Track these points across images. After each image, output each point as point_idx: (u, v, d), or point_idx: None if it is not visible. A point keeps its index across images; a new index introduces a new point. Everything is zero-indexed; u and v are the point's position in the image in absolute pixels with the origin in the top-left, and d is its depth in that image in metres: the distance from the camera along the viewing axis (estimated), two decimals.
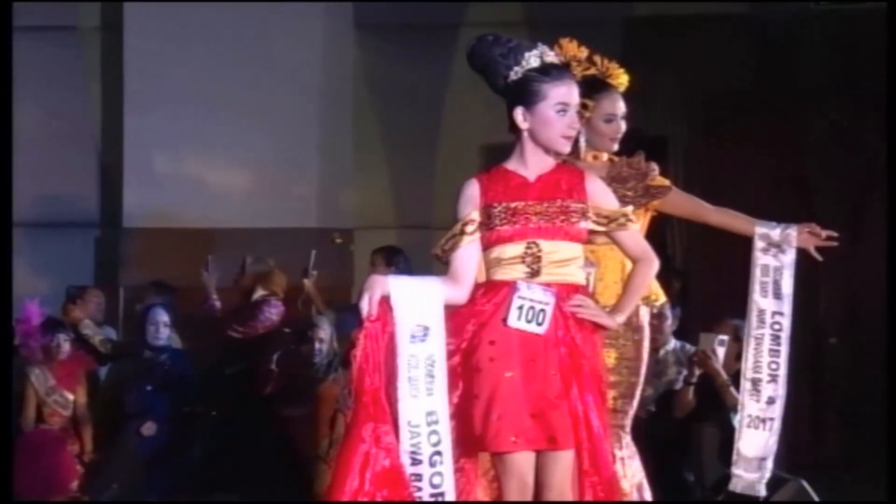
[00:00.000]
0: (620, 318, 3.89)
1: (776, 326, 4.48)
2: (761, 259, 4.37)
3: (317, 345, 6.89)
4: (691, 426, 6.64)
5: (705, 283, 7.98)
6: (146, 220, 8.73)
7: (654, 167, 4.50)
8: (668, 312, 7.02)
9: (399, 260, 7.62)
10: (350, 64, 9.14)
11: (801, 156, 8.10)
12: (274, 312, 7.27)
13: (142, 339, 7.36)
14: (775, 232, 4.39)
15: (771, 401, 4.46)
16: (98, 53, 9.18)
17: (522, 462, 3.73)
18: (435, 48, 8.98)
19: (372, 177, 9.13)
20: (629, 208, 3.98)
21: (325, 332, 6.92)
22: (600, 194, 3.88)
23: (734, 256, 7.93)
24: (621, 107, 4.43)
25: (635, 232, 3.95)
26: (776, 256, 4.35)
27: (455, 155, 8.98)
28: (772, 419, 4.49)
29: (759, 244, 4.42)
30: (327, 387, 6.83)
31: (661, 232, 8.18)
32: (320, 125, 8.94)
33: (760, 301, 4.44)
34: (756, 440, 4.54)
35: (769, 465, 4.57)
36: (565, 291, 3.81)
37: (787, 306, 4.45)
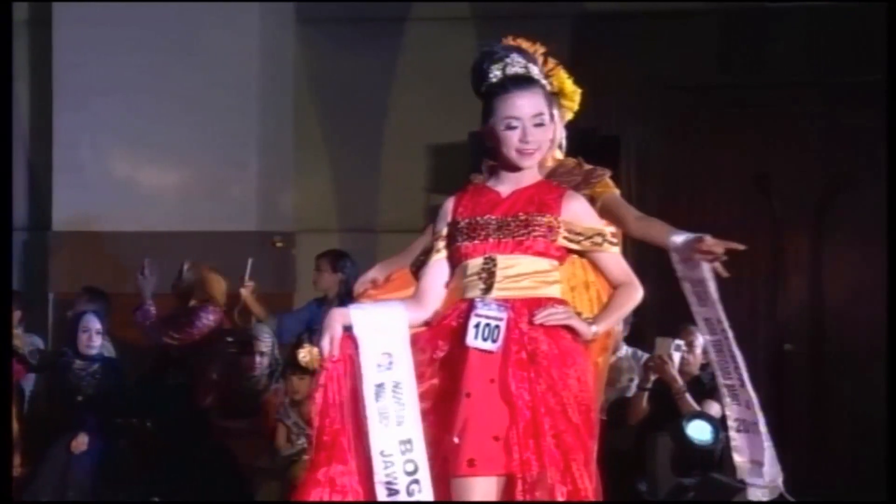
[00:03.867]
0: (596, 329, 3.72)
1: (725, 332, 4.31)
2: (679, 271, 4.17)
3: (257, 357, 6.72)
4: (645, 435, 6.50)
5: (658, 287, 7.84)
6: (77, 224, 8.52)
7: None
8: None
9: (345, 264, 7.47)
10: (290, 59, 8.98)
11: (764, 153, 7.98)
12: (211, 319, 7.13)
13: (73, 348, 7.19)
14: (682, 244, 4.14)
15: (749, 404, 4.30)
16: (26, 49, 8.93)
17: (480, 487, 3.55)
18: (380, 43, 8.85)
19: (314, 177, 8.96)
20: (610, 229, 3.81)
21: (265, 342, 6.78)
22: (578, 212, 3.74)
23: None
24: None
25: (616, 255, 3.79)
26: (692, 269, 4.14)
27: (401, 154, 8.84)
28: (755, 422, 4.32)
29: (674, 256, 4.20)
30: (268, 397, 6.69)
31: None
32: (259, 123, 8.74)
33: (701, 310, 4.27)
34: (751, 443, 4.38)
35: (775, 468, 4.38)
36: (526, 306, 3.64)
37: (720, 312, 4.26)
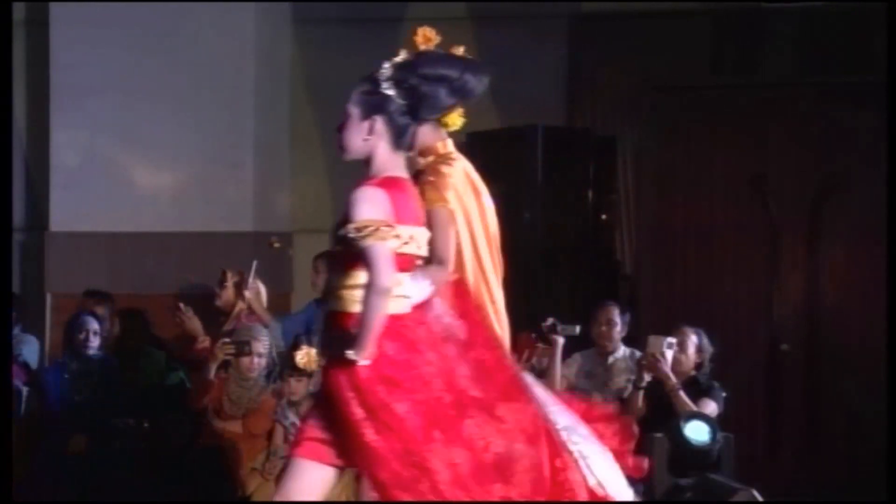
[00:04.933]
0: (355, 353, 3.71)
1: None
2: None
3: (255, 358, 6.69)
4: (641, 435, 6.49)
5: (655, 288, 7.86)
6: (74, 224, 8.48)
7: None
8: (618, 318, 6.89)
9: None
10: (287, 59, 8.96)
11: (759, 154, 7.97)
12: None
13: (70, 349, 7.19)
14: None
15: None
16: (23, 49, 8.90)
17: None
18: (376, 43, 8.76)
19: (311, 177, 8.93)
20: (363, 222, 3.75)
21: (263, 343, 6.74)
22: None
23: (685, 261, 7.83)
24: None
25: (365, 251, 3.73)
26: None
27: None
28: None
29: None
30: (265, 399, 6.64)
31: (609, 237, 8.06)
32: (256, 124, 8.71)
33: None
34: None
35: None
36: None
37: None
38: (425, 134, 4.42)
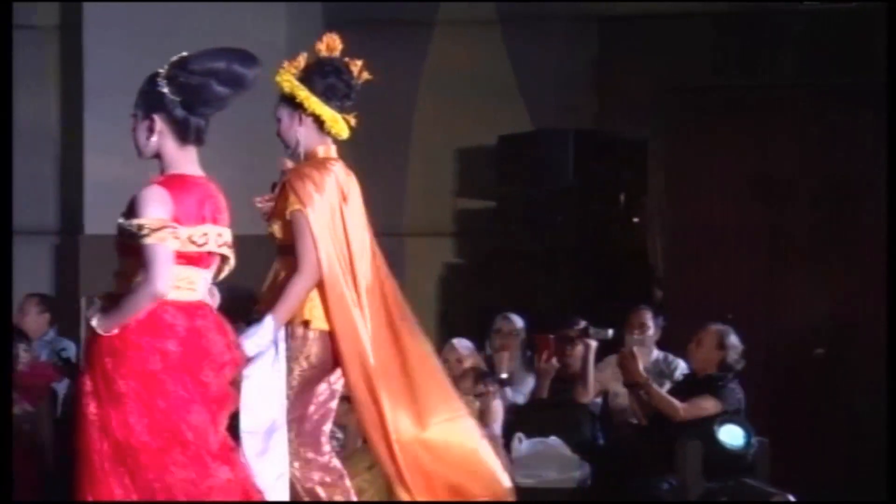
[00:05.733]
0: (98, 322, 3.93)
1: None
2: None
3: None
4: (674, 438, 6.46)
5: (686, 289, 7.81)
6: (108, 226, 8.46)
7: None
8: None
9: None
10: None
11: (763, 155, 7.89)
12: None
13: None
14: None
15: None
16: (57, 53, 8.94)
17: None
18: (407, 46, 8.82)
19: None
20: (143, 221, 3.89)
21: None
22: None
23: (717, 261, 7.78)
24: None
25: (144, 250, 3.88)
26: None
27: (428, 158, 8.82)
28: None
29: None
30: None
31: (641, 239, 8.02)
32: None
33: None
34: None
35: None
36: None
37: None
38: (308, 138, 4.70)
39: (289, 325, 4.56)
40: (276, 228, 4.69)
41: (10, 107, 6.17)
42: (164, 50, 8.48)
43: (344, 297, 4.56)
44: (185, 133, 4.02)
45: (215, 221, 4.02)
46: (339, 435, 6.38)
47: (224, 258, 4.11)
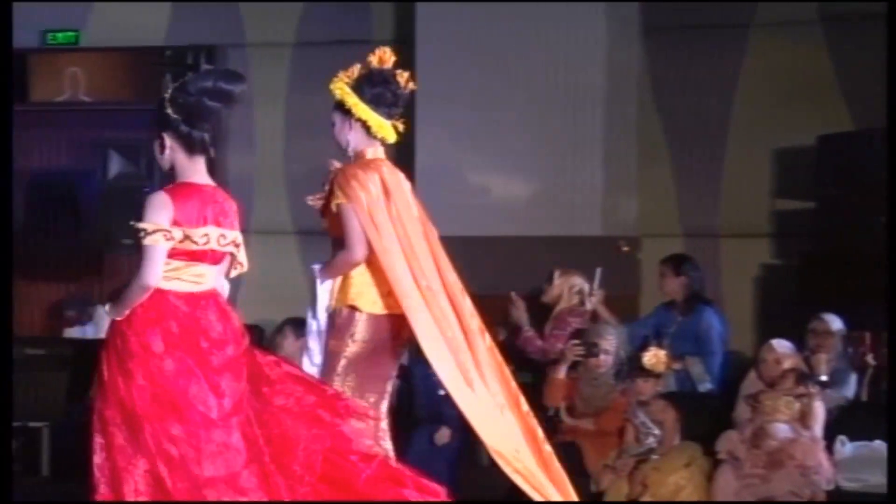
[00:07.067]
0: (110, 309, 4.43)
1: None
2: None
3: (602, 356, 6.86)
4: None
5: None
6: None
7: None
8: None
9: (688, 268, 7.54)
10: (633, 68, 9.05)
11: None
12: (578, 321, 7.30)
13: None
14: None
15: None
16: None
17: None
18: (723, 49, 8.82)
19: (658, 183, 9.02)
20: (142, 225, 4.36)
21: (608, 341, 6.89)
22: None
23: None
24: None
25: (141, 249, 4.37)
26: None
27: (744, 159, 8.80)
28: None
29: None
30: (616, 398, 6.78)
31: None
32: (603, 131, 8.90)
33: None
34: None
35: None
36: None
37: None
38: (357, 140, 5.04)
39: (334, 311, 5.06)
40: (327, 223, 5.10)
41: (9, 106, 6.43)
42: (488, 59, 8.85)
43: (407, 275, 4.95)
44: (191, 146, 4.45)
45: (217, 224, 4.44)
46: (656, 431, 6.53)
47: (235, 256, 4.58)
